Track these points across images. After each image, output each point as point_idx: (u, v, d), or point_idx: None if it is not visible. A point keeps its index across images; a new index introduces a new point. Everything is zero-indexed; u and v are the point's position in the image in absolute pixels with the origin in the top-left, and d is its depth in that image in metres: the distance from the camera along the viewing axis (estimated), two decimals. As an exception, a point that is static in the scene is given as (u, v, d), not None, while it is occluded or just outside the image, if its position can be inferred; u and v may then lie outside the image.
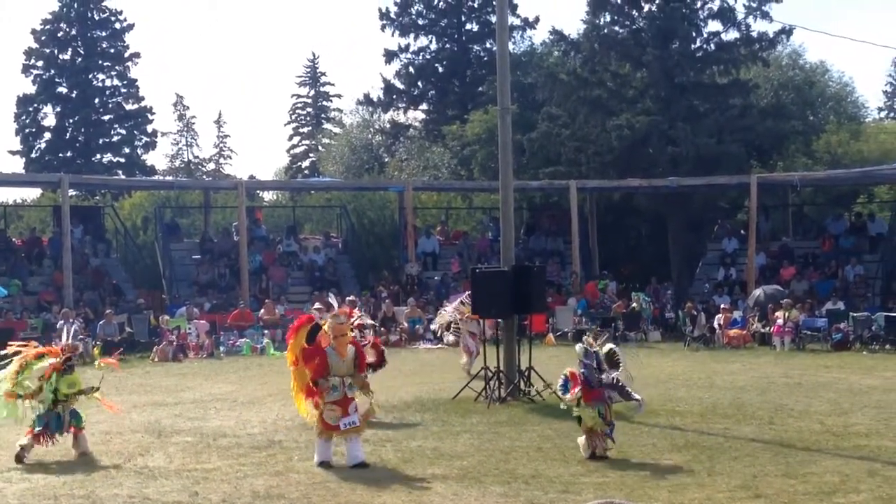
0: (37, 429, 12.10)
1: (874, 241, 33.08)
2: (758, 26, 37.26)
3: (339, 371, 11.39)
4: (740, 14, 37.04)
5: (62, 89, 57.53)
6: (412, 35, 52.05)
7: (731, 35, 37.57)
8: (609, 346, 12.22)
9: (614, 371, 11.87)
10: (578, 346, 12.18)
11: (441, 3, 52.23)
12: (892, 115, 62.77)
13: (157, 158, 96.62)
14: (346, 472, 11.03)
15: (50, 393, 12.20)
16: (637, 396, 11.94)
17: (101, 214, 37.07)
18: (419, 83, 53.27)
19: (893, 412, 14.65)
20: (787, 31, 36.83)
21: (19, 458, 11.90)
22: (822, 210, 38.14)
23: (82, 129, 57.62)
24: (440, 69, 52.76)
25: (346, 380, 11.43)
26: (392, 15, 51.66)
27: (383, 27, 51.74)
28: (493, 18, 36.42)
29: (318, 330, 11.68)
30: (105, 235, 35.58)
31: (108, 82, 58.64)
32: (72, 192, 35.42)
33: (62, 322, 25.57)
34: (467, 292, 18.24)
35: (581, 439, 11.70)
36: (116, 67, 58.41)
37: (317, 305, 21.43)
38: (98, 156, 57.66)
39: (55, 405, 12.23)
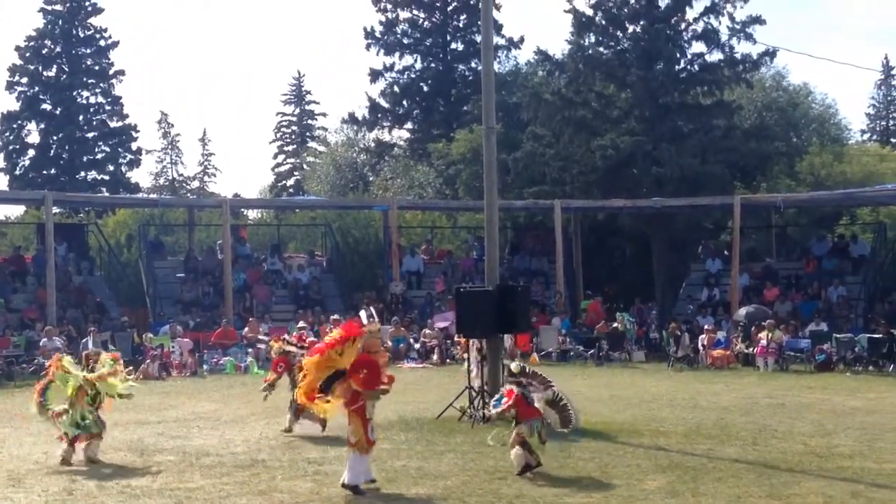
0: (73, 434, 12.62)
1: (857, 263, 33.23)
2: (741, 48, 37.50)
3: None
4: (724, 36, 37.23)
5: (46, 106, 57.45)
6: (397, 54, 52.16)
7: (715, 56, 37.74)
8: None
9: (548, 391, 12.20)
10: (514, 365, 12.44)
11: (426, 23, 52.39)
12: (874, 137, 63.15)
13: (142, 176, 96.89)
14: (330, 490, 10.96)
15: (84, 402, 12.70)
16: (572, 422, 12.37)
17: (84, 232, 36.98)
18: (404, 102, 53.26)
19: (876, 434, 14.71)
20: (770, 53, 37.01)
21: (66, 461, 12.50)
22: (805, 231, 38.30)
23: (66, 147, 57.49)
24: (425, 88, 52.82)
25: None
26: (377, 34, 51.76)
27: (368, 46, 51.92)
28: (479, 38, 36.59)
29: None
30: (89, 253, 35.45)
31: (92, 99, 58.69)
32: (56, 210, 35.30)
33: (45, 340, 25.53)
34: None
35: (514, 452, 11.76)
36: (101, 84, 58.39)
37: (301, 324, 21.40)
38: (82, 173, 57.56)
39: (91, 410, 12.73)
